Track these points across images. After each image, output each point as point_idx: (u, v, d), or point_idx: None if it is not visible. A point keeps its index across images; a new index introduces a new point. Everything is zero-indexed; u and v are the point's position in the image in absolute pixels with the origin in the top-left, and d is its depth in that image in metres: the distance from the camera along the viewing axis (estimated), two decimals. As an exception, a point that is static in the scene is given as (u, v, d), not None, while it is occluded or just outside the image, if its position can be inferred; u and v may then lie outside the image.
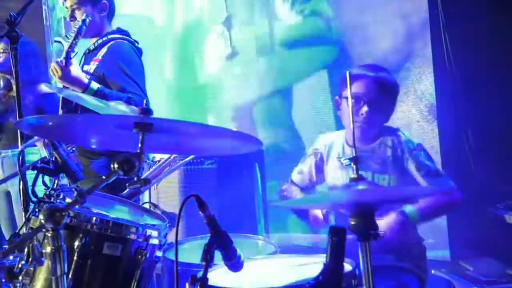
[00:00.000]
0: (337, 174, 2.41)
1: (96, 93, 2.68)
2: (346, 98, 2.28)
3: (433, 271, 2.55)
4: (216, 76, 4.67)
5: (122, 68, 2.82)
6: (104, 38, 2.95)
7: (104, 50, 2.92)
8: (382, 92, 2.30)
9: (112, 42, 2.93)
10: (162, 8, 5.02)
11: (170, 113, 4.74)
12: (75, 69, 2.69)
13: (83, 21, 2.67)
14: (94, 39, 2.97)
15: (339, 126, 2.84)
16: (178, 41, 4.87)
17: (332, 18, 3.93)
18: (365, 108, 2.26)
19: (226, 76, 4.60)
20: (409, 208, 2.17)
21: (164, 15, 4.97)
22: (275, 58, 4.30)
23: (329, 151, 2.47)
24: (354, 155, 1.64)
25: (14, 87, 3.41)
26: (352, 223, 1.53)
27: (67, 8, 2.97)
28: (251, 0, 4.45)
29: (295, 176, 2.58)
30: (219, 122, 4.57)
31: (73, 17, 2.91)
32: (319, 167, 2.50)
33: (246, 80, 4.41)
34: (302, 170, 2.55)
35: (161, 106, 4.73)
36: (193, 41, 4.77)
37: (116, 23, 3.06)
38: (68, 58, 2.66)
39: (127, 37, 2.99)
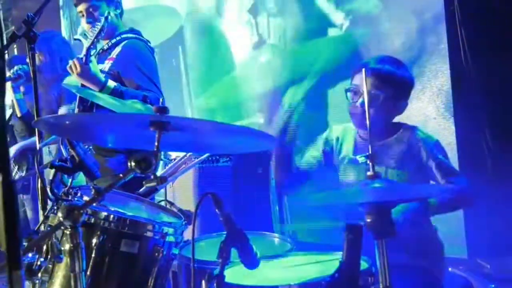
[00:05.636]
0: (348, 169, 2.39)
1: (113, 91, 2.70)
2: (349, 90, 2.30)
3: (450, 269, 2.53)
4: (242, 65, 4.58)
5: (138, 66, 2.84)
6: (118, 38, 2.96)
7: (118, 49, 2.93)
8: (383, 85, 2.23)
9: (126, 41, 2.95)
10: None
11: (195, 104, 4.66)
12: (94, 67, 2.71)
13: (105, 18, 2.69)
14: (107, 39, 2.99)
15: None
16: (202, 29, 4.81)
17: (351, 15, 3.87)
18: (360, 100, 2.23)
19: (253, 65, 4.49)
20: None
21: (187, 4, 4.91)
22: (302, 47, 4.19)
23: (341, 145, 2.45)
24: (369, 152, 1.63)
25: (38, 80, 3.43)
26: (368, 220, 1.53)
27: (81, 12, 2.95)
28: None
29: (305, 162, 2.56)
30: (246, 112, 4.49)
31: (91, 18, 2.91)
32: (328, 158, 2.48)
33: (273, 69, 4.33)
34: (313, 156, 2.54)
35: (186, 97, 4.67)
36: (219, 29, 4.71)
37: (138, 14, 3.06)
38: (88, 55, 2.68)
39: (140, 37, 3.01)
